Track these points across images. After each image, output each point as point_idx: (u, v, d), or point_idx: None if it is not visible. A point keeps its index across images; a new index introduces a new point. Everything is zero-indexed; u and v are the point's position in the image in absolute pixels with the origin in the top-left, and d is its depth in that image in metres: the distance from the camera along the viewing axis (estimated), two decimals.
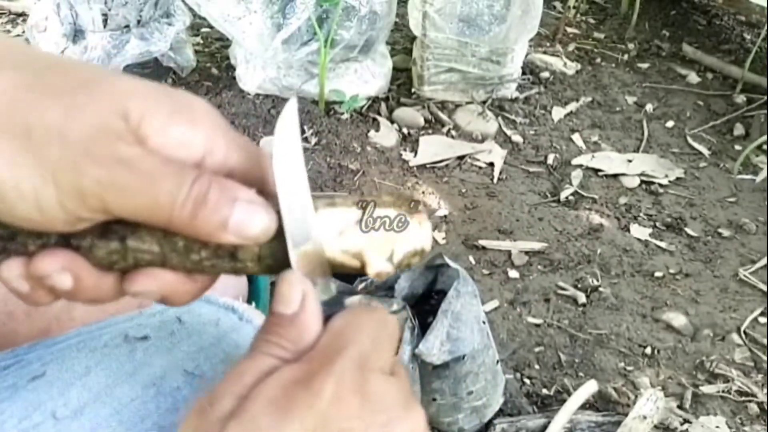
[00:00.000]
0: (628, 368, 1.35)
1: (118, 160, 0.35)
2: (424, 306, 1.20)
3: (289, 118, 0.40)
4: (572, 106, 2.05)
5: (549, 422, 1.19)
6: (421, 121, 1.92)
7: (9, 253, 0.38)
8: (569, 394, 1.25)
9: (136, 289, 0.39)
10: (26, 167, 0.34)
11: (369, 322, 0.40)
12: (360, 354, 0.38)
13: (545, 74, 2.16)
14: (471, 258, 1.54)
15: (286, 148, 0.39)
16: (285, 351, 0.39)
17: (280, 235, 0.39)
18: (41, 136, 0.34)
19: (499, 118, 1.97)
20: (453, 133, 1.90)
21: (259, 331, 0.40)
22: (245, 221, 0.37)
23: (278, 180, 0.39)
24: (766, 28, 2.17)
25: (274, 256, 0.40)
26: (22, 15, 2.24)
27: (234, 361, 0.39)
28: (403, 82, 2.06)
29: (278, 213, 0.39)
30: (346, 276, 1.22)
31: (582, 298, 1.47)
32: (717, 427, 1.25)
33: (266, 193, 0.39)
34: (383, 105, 1.96)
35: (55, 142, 0.34)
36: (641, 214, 1.70)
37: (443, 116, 1.94)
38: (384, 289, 1.18)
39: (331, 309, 0.41)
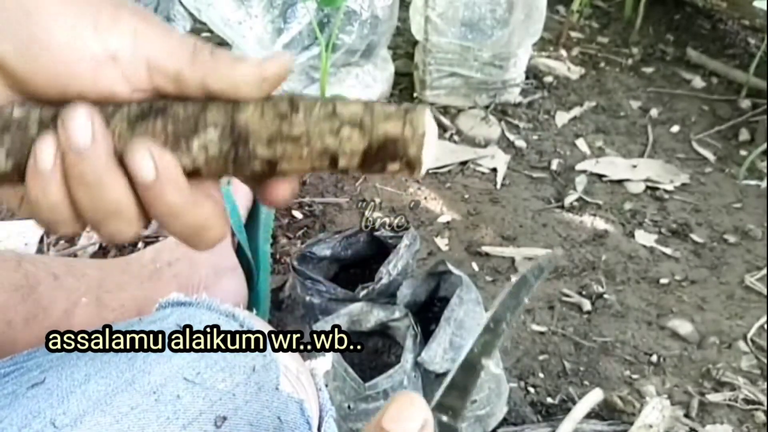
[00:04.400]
0: (634, 376, 1.33)
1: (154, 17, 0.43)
2: (427, 313, 1.20)
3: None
4: (576, 111, 2.04)
5: (554, 431, 1.18)
6: None
7: None
8: (574, 403, 1.24)
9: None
10: None
11: None
12: None
13: (549, 79, 2.15)
14: (474, 264, 1.53)
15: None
16: None
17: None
18: None
19: (502, 122, 1.96)
20: (455, 138, 1.89)
21: None
22: (260, 58, 0.42)
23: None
24: None
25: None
26: None
27: None
28: (405, 87, 2.06)
29: None
30: (347, 282, 1.22)
31: (587, 305, 1.45)
32: None
33: None
34: None
35: None
36: (646, 220, 1.69)
37: (446, 121, 1.93)
38: (386, 296, 1.17)
39: None
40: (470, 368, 0.42)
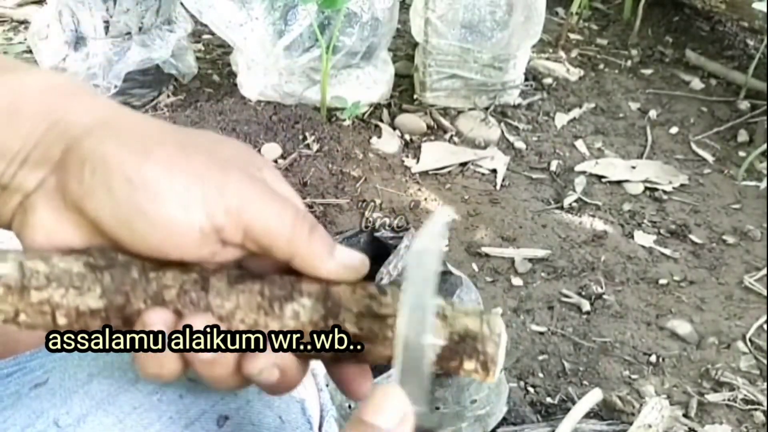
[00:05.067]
0: (633, 376, 1.34)
1: (256, 176, 0.42)
2: None
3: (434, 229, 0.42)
4: (575, 113, 2.05)
5: (553, 431, 1.19)
6: (424, 128, 1.91)
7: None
8: (573, 403, 1.24)
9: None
10: (179, 167, 0.40)
11: None
12: None
13: (548, 80, 2.16)
14: (474, 265, 1.53)
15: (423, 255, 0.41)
16: None
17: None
18: (192, 148, 0.41)
19: (502, 124, 1.96)
20: (455, 139, 1.90)
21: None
22: (347, 252, 0.43)
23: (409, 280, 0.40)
24: None
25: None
26: (24, 22, 2.24)
27: None
28: (406, 89, 2.06)
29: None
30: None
31: (586, 305, 1.46)
32: None
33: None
34: (385, 111, 1.96)
35: (204, 152, 0.41)
36: (645, 221, 1.70)
37: (446, 123, 1.94)
38: None
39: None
40: (410, 353, 0.39)
